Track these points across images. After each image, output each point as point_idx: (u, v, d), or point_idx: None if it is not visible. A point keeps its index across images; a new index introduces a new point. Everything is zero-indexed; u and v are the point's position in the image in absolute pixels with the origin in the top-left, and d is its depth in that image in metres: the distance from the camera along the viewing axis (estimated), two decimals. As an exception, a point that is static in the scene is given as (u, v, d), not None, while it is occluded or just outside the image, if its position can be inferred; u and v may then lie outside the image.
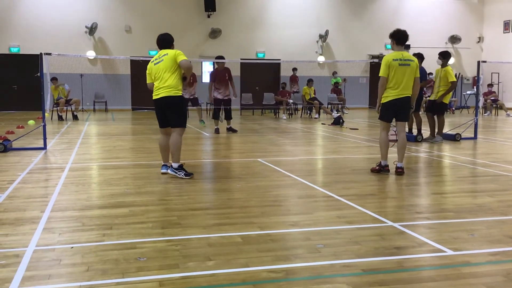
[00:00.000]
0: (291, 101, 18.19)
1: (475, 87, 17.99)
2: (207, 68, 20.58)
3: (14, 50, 19.62)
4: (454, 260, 3.28)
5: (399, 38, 6.37)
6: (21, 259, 3.23)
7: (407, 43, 6.58)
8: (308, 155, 8.47)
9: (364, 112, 20.79)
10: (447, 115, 15.42)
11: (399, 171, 6.29)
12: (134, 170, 6.73)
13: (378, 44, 22.87)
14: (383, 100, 6.38)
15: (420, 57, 9.45)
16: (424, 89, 13.95)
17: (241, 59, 20.14)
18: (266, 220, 4.24)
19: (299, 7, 22.33)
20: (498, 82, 23.40)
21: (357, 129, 12.93)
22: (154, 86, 6.14)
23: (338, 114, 14.68)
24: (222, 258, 3.27)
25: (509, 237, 3.78)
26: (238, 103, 19.13)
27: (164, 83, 6.01)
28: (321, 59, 22.51)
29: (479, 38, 25.08)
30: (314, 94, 18.26)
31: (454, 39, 24.34)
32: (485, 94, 19.56)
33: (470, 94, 22.34)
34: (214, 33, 21.31)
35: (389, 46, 7.37)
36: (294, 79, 20.28)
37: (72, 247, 3.48)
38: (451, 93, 10.06)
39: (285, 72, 21.61)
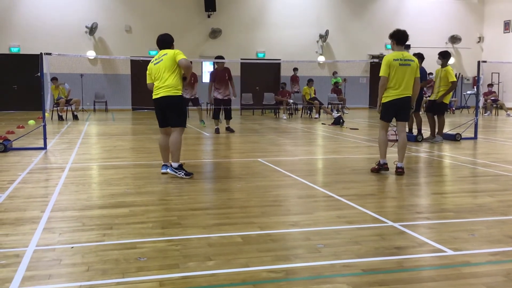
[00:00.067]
0: (291, 101, 18.20)
1: (475, 87, 18.00)
2: (207, 68, 20.59)
3: (14, 50, 19.62)
4: (454, 260, 3.28)
5: (399, 38, 6.37)
6: (21, 259, 3.23)
7: (407, 43, 6.58)
8: (308, 155, 8.47)
9: (364, 112, 20.80)
10: (447, 115, 15.43)
11: (399, 171, 6.29)
12: (134, 170, 6.73)
13: (378, 44, 22.87)
14: (384, 100, 6.38)
15: (420, 57, 9.44)
16: (425, 89, 13.96)
17: (241, 59, 20.14)
18: (266, 220, 4.24)
19: (299, 7, 22.34)
20: (498, 82, 23.40)
21: (357, 129, 12.93)
22: (154, 86, 6.15)
23: (338, 114, 14.68)
24: (222, 258, 3.27)
25: (509, 237, 3.78)
26: (238, 103, 19.14)
27: (163, 82, 6.02)
28: (321, 59, 22.51)
29: (479, 38, 25.08)
30: (315, 94, 18.27)
31: (454, 39, 24.34)
32: (485, 94, 19.56)
33: (470, 94, 22.35)
34: (214, 33, 21.31)
35: (389, 46, 7.37)
36: (295, 79, 20.29)
37: (72, 247, 3.48)
38: (451, 93, 10.06)
39: (285, 72, 21.61)
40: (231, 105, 12.03)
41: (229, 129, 11.87)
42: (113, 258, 3.26)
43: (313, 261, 3.24)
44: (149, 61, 6.38)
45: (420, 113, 10.58)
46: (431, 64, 15.11)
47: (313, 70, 22.07)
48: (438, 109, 9.94)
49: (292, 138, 11.14)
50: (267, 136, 11.14)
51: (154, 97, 6.16)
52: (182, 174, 6.02)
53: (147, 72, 6.26)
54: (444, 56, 9.96)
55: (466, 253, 3.41)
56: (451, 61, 20.83)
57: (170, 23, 19.99)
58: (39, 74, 8.56)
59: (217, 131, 11.65)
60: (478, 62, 10.83)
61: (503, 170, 6.68)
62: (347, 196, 5.07)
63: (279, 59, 20.81)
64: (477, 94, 11.27)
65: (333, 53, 22.97)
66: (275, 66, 22.33)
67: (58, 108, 15.50)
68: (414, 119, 10.26)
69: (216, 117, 11.84)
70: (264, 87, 21.20)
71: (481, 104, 14.46)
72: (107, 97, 20.33)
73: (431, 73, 15.73)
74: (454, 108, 21.02)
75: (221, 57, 11.81)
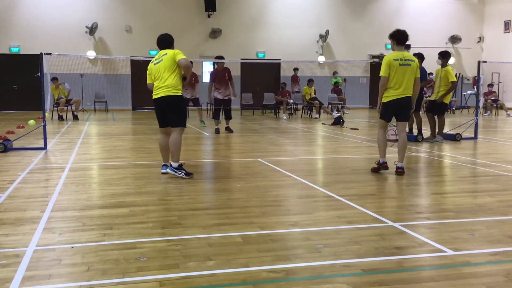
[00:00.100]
0: (291, 101, 18.21)
1: (475, 87, 18.00)
2: (208, 68, 20.59)
3: (15, 50, 19.63)
4: (454, 260, 3.28)
5: (399, 38, 6.38)
6: (22, 259, 3.23)
7: (407, 43, 6.58)
8: (308, 155, 8.47)
9: (365, 112, 20.80)
10: (447, 115, 15.43)
11: (400, 171, 6.29)
12: (135, 170, 6.73)
13: (378, 44, 22.87)
14: (384, 100, 6.38)
15: (420, 57, 9.45)
16: (425, 89, 13.96)
17: (241, 59, 20.14)
18: (266, 220, 4.24)
19: (299, 7, 22.34)
20: (499, 82, 23.40)
21: (357, 129, 12.93)
22: (154, 86, 6.15)
23: (338, 114, 14.68)
24: (222, 258, 3.27)
25: (509, 237, 3.78)
26: (239, 103, 19.14)
27: (163, 82, 6.02)
28: (321, 59, 22.51)
29: (480, 38, 25.07)
30: (315, 94, 18.27)
31: (454, 39, 24.33)
32: (485, 94, 19.55)
33: (470, 94, 22.35)
34: (215, 33, 21.31)
35: (389, 46, 7.38)
36: (295, 79, 20.30)
37: (72, 247, 3.48)
38: (451, 93, 10.06)
39: (286, 72, 21.62)
40: (231, 105, 12.03)
41: (228, 129, 11.88)
42: (113, 258, 3.26)
43: (313, 261, 3.24)
44: (149, 61, 6.38)
45: (420, 113, 10.58)
46: (431, 64, 15.13)
47: (313, 70, 22.08)
48: (438, 109, 9.94)
49: (292, 138, 11.14)
50: (267, 136, 11.14)
51: (154, 97, 6.16)
52: (182, 174, 6.02)
53: (147, 72, 6.27)
54: (444, 56, 9.96)
55: (466, 253, 3.41)
56: (451, 61, 20.84)
57: (170, 23, 20.00)
58: (39, 74, 8.56)
59: (217, 131, 11.65)
60: (478, 62, 10.84)
61: (503, 170, 6.68)
62: (347, 196, 5.07)
63: (279, 59, 20.81)
64: (477, 94, 11.27)
65: (333, 53, 22.97)
66: (275, 66, 22.33)
67: (58, 108, 15.50)
68: (414, 119, 10.26)
69: (216, 117, 11.85)
70: (264, 87, 21.21)
71: (481, 104, 14.46)
72: (107, 97, 20.33)
73: (431, 73, 15.73)
74: (454, 108, 21.02)
75: (221, 57, 11.81)
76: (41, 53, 8.69)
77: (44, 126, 8.73)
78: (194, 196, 5.17)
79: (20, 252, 3.36)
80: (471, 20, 24.86)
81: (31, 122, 13.35)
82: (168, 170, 6.15)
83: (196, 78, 13.36)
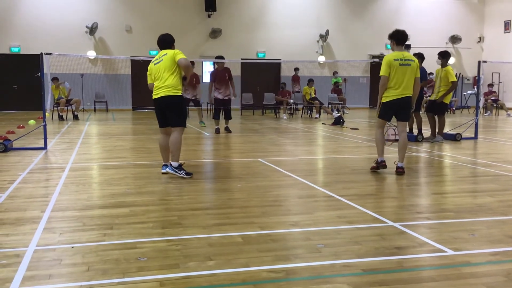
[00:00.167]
0: (291, 101, 18.21)
1: (475, 87, 17.99)
2: (208, 68, 20.59)
3: (15, 50, 19.63)
4: (455, 260, 3.28)
5: (399, 38, 6.38)
6: (22, 259, 3.23)
7: (408, 43, 6.59)
8: (308, 155, 8.47)
9: (365, 112, 20.79)
10: (447, 115, 15.43)
11: (400, 171, 6.29)
12: (135, 170, 6.73)
13: (378, 44, 22.86)
14: (384, 100, 6.38)
15: (420, 57, 9.45)
16: (425, 89, 13.97)
17: (241, 59, 20.14)
18: (266, 220, 4.24)
19: (299, 7, 22.34)
20: (499, 82, 23.39)
21: (358, 129, 12.93)
22: (154, 86, 6.15)
23: (338, 114, 14.68)
24: (223, 258, 3.27)
25: (509, 237, 3.78)
26: (239, 103, 19.14)
27: (163, 82, 6.03)
28: (321, 59, 22.51)
29: (480, 38, 25.07)
30: (315, 94, 18.26)
31: (454, 39, 24.33)
32: (485, 94, 19.55)
33: (470, 94, 22.35)
34: (215, 33, 21.31)
35: (389, 46, 7.37)
36: (296, 79, 20.30)
37: (72, 247, 3.48)
38: (451, 93, 10.06)
39: (286, 72, 21.62)
40: (231, 105, 12.03)
41: (227, 129, 11.88)
42: (114, 258, 3.26)
43: (313, 261, 3.25)
44: (150, 61, 6.39)
45: (421, 113, 10.58)
46: (431, 64, 15.14)
47: (313, 70, 22.08)
48: (438, 109, 9.95)
49: (292, 138, 11.14)
50: (268, 136, 11.14)
51: (154, 97, 6.16)
52: (183, 173, 6.02)
53: (148, 72, 6.27)
54: (444, 56, 9.96)
55: (466, 253, 3.41)
56: (451, 61, 20.85)
57: (170, 23, 20.00)
58: (39, 74, 8.56)
59: (217, 131, 11.65)
60: (479, 62, 10.84)
61: (503, 170, 6.68)
62: (347, 196, 5.07)
63: (280, 59, 20.81)
64: (477, 94, 11.27)
65: (333, 53, 22.97)
66: (275, 66, 22.34)
67: (59, 108, 15.50)
68: (415, 119, 10.26)
69: (216, 117, 11.85)
70: (265, 87, 21.20)
71: (481, 104, 14.44)
72: (108, 97, 20.33)
73: (431, 73, 15.73)
74: (454, 108, 21.02)
75: (221, 57, 11.81)
76: (41, 53, 8.70)
77: (44, 126, 8.73)
78: (194, 196, 5.17)
79: (21, 252, 3.37)
80: (471, 20, 24.85)
81: (31, 122, 13.35)
82: (168, 170, 6.16)
83: (197, 79, 13.36)
